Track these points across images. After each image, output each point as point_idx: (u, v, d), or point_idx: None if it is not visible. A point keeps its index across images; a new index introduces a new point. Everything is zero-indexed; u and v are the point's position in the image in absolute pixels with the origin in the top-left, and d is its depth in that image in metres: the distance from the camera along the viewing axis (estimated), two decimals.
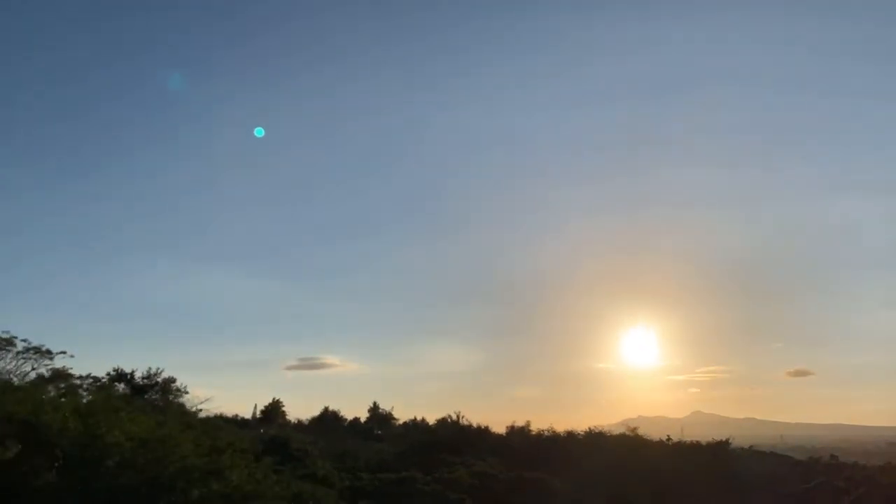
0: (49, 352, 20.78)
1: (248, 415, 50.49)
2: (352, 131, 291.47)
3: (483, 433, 40.51)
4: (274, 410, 50.59)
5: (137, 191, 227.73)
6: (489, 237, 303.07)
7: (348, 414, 53.18)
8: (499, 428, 41.78)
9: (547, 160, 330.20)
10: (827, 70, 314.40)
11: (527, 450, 34.56)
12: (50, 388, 19.76)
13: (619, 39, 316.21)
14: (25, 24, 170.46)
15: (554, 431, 40.40)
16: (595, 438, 39.33)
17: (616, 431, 43.35)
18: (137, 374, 25.92)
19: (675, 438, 40.39)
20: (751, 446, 41.09)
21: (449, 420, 41.88)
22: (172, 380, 26.26)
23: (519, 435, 39.83)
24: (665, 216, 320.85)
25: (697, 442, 38.49)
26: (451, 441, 35.95)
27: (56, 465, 11.41)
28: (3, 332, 19.98)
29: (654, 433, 42.86)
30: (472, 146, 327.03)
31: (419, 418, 48.14)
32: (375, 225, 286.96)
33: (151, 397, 25.37)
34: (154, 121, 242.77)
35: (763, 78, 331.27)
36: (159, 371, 26.18)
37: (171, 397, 25.73)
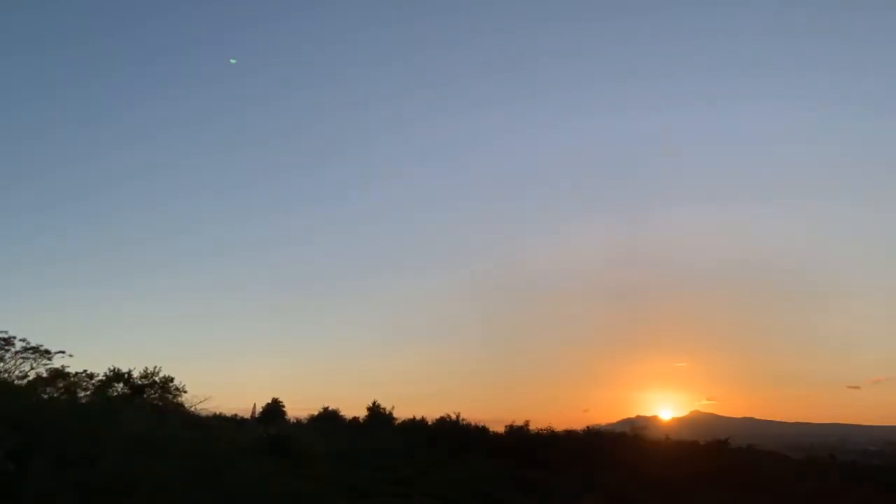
0: (48, 351, 20.76)
1: (247, 414, 50.61)
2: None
3: (482, 432, 40.55)
4: (273, 410, 50.70)
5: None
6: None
7: (348, 413, 53.31)
8: (497, 427, 41.87)
9: (549, 165, 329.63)
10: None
11: (526, 449, 34.58)
12: (48, 387, 19.76)
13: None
14: None
15: (553, 430, 40.52)
16: (594, 438, 39.42)
17: (615, 431, 43.49)
18: (135, 374, 25.88)
19: (673, 438, 40.50)
20: (749, 446, 41.14)
21: (448, 419, 41.94)
22: (170, 379, 26.23)
23: (518, 434, 39.86)
24: (670, 220, 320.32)
25: (696, 441, 38.56)
26: (450, 440, 35.99)
27: (55, 464, 11.40)
28: (1, 331, 19.95)
29: (653, 433, 42.97)
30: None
31: (418, 417, 48.24)
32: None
33: (150, 396, 25.34)
34: (162, 119, 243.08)
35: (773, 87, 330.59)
36: (157, 370, 26.15)
37: (169, 396, 25.68)
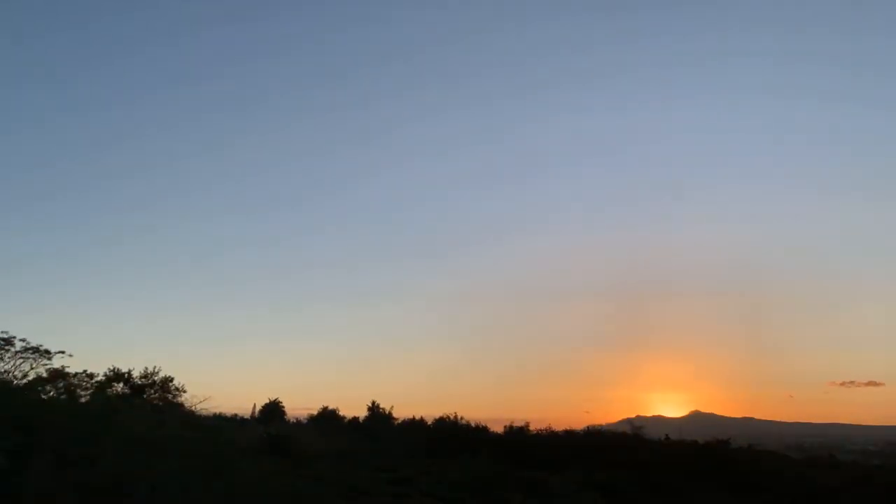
0: (48, 351, 20.73)
1: (247, 414, 50.64)
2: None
3: (482, 432, 40.58)
4: (273, 410, 50.72)
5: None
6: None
7: (348, 413, 53.38)
8: (497, 427, 41.94)
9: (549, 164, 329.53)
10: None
11: (525, 449, 34.57)
12: (48, 387, 19.74)
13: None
14: None
15: (553, 430, 40.58)
16: (594, 437, 39.44)
17: (615, 431, 43.52)
18: (135, 374, 25.88)
19: (673, 438, 40.48)
20: (749, 446, 41.09)
21: (448, 419, 41.97)
22: (170, 379, 26.23)
23: (517, 434, 39.88)
24: (671, 221, 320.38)
25: (696, 441, 38.49)
26: (450, 440, 35.97)
27: (54, 464, 11.39)
28: (1, 331, 19.92)
29: (653, 433, 43.00)
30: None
31: (418, 417, 48.28)
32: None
33: (150, 396, 25.34)
34: (161, 117, 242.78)
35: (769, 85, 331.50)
36: (157, 370, 26.15)
37: (169, 396, 25.68)
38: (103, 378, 24.70)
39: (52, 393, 19.58)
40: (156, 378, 25.90)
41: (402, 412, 50.97)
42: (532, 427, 40.81)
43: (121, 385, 25.18)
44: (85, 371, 23.70)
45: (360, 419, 51.94)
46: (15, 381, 18.70)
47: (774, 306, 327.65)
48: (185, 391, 26.10)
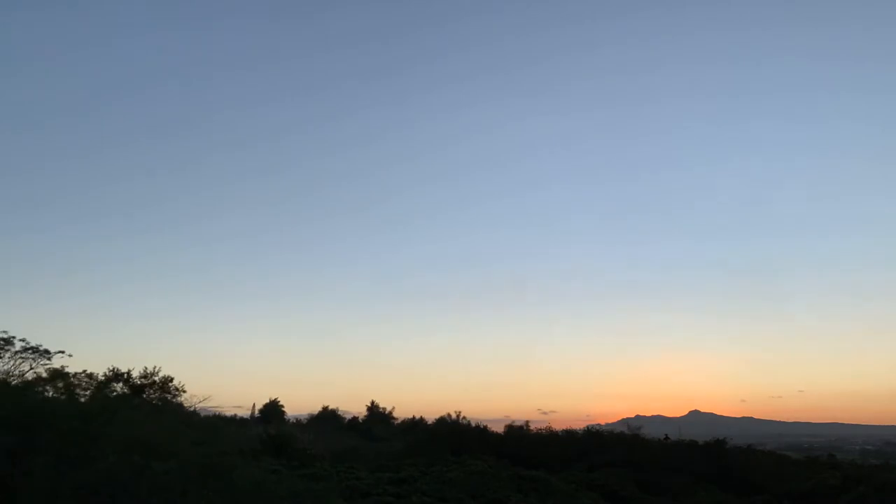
0: (47, 351, 20.79)
1: (247, 414, 50.70)
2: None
3: (482, 432, 40.63)
4: (273, 409, 50.76)
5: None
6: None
7: (347, 413, 53.50)
8: (497, 427, 42.03)
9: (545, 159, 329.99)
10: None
11: (525, 448, 34.62)
12: (48, 387, 19.77)
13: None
14: None
15: (552, 430, 40.67)
16: (594, 437, 39.49)
17: (615, 431, 43.56)
18: (135, 374, 25.87)
19: (672, 438, 40.55)
20: (748, 446, 41.17)
21: (448, 419, 42.03)
22: (170, 378, 26.22)
23: (518, 434, 39.94)
24: (666, 211, 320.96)
25: (695, 441, 38.55)
26: (449, 440, 36.00)
27: (54, 464, 11.40)
28: (1, 331, 19.96)
29: (652, 432, 43.04)
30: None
31: (418, 417, 48.39)
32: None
33: (149, 396, 25.33)
34: (161, 119, 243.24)
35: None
36: (157, 370, 26.14)
37: (169, 396, 25.67)
38: (103, 378, 24.71)
39: (51, 393, 19.61)
40: (156, 378, 25.88)
41: (402, 412, 51.11)
42: (532, 427, 40.96)
43: (120, 385, 25.16)
44: (85, 371, 23.76)
45: (361, 419, 52.08)
46: (15, 381, 18.73)
47: (774, 306, 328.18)
48: (184, 391, 26.12)
